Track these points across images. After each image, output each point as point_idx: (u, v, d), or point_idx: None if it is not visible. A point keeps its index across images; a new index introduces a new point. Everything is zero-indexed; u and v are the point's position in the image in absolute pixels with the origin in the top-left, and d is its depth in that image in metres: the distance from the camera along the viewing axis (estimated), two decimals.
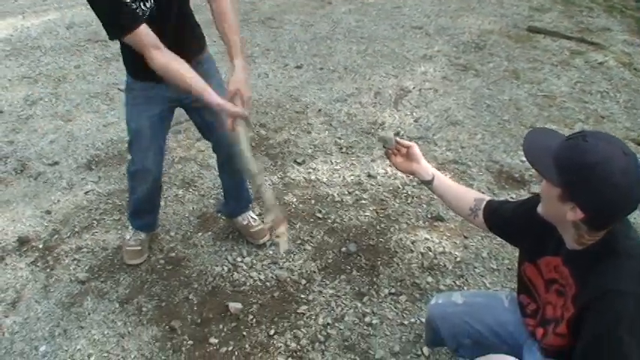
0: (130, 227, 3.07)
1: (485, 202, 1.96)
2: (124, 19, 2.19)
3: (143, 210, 3.01)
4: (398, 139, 2.11)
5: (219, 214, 3.30)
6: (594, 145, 1.36)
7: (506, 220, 1.88)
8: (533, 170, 3.57)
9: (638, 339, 1.33)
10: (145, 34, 2.21)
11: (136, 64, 2.36)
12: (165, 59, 2.25)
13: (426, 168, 2.10)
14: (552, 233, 1.58)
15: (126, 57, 2.54)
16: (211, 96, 2.25)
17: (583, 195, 1.38)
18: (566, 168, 1.38)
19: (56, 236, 3.24)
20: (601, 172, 1.33)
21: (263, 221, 3.01)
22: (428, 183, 2.11)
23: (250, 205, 3.17)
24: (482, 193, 3.47)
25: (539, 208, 1.56)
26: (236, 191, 3.06)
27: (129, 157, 2.83)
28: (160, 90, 2.51)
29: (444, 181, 2.11)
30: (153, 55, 2.23)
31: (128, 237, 3.06)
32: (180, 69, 2.26)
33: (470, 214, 2.00)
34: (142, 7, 2.25)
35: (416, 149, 2.08)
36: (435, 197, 3.40)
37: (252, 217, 3.14)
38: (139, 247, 3.04)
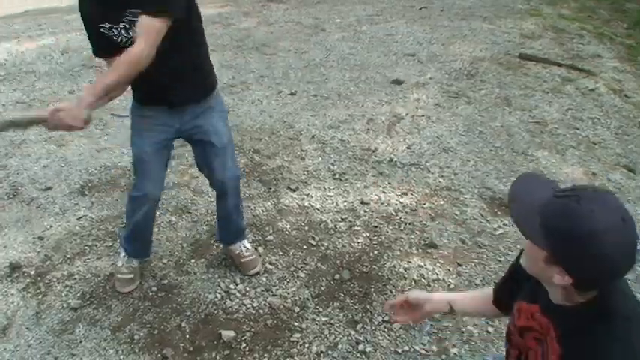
0: (123, 254, 3.04)
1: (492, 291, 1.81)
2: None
3: (138, 235, 2.99)
4: (390, 303, 1.92)
5: (217, 242, 3.29)
6: (588, 211, 1.22)
7: (502, 288, 1.75)
8: None
9: None
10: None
11: (143, 89, 2.45)
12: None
13: (438, 301, 1.86)
14: (529, 277, 1.45)
15: (133, 82, 2.49)
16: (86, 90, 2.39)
17: (572, 263, 1.25)
18: (554, 233, 1.25)
19: (48, 262, 3.23)
20: (594, 244, 1.20)
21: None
22: (450, 312, 1.88)
23: (245, 234, 3.17)
24: (479, 222, 3.51)
25: (523, 262, 1.44)
26: (228, 222, 3.06)
27: (133, 179, 2.88)
28: (165, 118, 2.58)
29: (462, 299, 1.92)
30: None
31: (120, 264, 3.03)
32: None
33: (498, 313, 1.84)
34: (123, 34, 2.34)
35: (412, 296, 1.86)
36: (429, 224, 3.44)
37: (245, 247, 3.13)
38: (131, 275, 3.02)
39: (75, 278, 3.10)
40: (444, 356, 2.62)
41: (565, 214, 1.24)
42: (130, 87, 2.59)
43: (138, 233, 2.98)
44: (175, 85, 2.51)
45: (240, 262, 3.11)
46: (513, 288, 1.62)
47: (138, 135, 2.71)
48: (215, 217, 3.18)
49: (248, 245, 3.16)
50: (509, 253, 3.26)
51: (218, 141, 2.72)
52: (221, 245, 3.23)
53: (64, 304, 2.93)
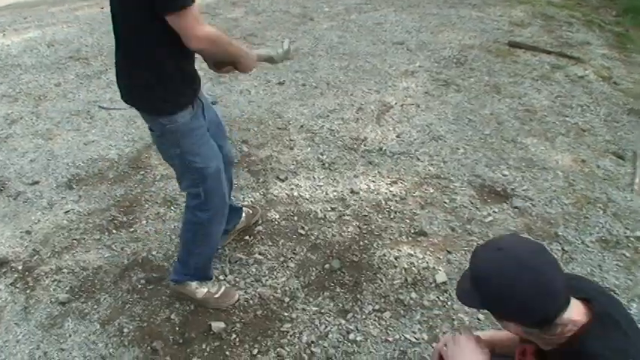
0: (196, 283, 2.79)
1: None
2: None
3: (212, 256, 2.84)
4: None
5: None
6: (479, 262, 1.47)
7: None
8: (515, 184, 3.59)
9: None
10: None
11: (181, 86, 2.21)
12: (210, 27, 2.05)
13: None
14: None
15: (167, 85, 2.20)
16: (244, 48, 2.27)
17: (498, 308, 1.43)
18: (477, 293, 1.43)
19: (36, 257, 3.20)
20: (486, 282, 1.41)
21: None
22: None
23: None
24: (469, 209, 3.51)
25: None
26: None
27: (196, 209, 2.57)
28: (202, 114, 2.37)
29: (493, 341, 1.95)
30: (206, 26, 2.02)
31: (206, 289, 2.80)
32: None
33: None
34: None
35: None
36: (418, 212, 3.43)
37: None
38: (223, 286, 2.89)
39: (63, 272, 3.09)
40: (434, 344, 2.61)
41: (468, 274, 1.48)
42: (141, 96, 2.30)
43: (213, 254, 2.83)
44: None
45: (251, 215, 3.26)
46: None
47: (208, 145, 2.43)
48: None
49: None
50: None
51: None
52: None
53: (53, 299, 2.92)
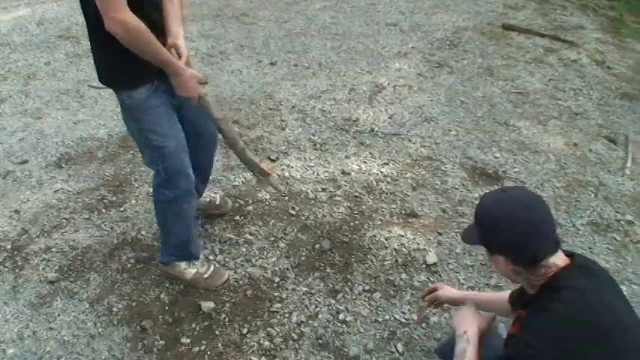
0: (184, 265, 2.80)
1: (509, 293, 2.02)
2: None
3: (192, 236, 2.79)
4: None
5: None
6: (481, 201, 1.68)
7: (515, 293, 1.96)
8: (507, 166, 3.59)
9: None
10: None
11: (134, 62, 2.12)
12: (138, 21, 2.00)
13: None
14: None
15: (117, 61, 2.18)
16: (177, 63, 2.17)
17: (492, 242, 1.60)
18: (476, 228, 1.64)
19: (25, 236, 3.18)
20: (487, 216, 1.62)
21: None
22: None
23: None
24: (460, 191, 3.51)
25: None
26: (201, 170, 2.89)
27: (160, 187, 2.56)
28: (167, 93, 2.33)
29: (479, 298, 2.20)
30: (127, 13, 1.96)
31: (194, 270, 2.80)
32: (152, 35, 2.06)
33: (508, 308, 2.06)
34: None
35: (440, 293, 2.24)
36: (410, 194, 3.43)
37: (212, 195, 3.20)
38: (212, 266, 2.87)
39: (52, 251, 3.06)
40: (424, 325, 2.62)
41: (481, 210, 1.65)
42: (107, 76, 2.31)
43: (193, 230, 2.79)
44: None
45: (217, 206, 3.19)
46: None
47: (167, 123, 2.39)
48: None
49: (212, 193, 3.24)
50: None
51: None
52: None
53: (42, 278, 2.90)
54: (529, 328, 1.48)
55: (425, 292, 2.32)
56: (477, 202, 3.23)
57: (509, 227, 1.53)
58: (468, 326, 1.73)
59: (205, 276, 2.80)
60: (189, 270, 2.78)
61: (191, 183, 2.54)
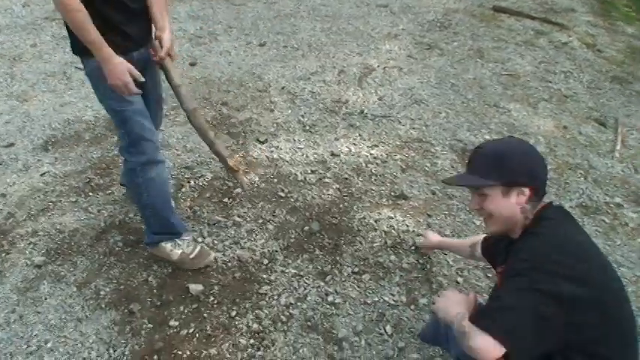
0: (170, 244, 2.78)
1: (482, 237, 2.29)
2: None
3: (168, 210, 2.73)
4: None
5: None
6: (490, 143, 1.85)
7: (491, 245, 2.14)
8: None
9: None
10: None
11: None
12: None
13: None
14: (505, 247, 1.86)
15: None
16: (105, 51, 2.20)
17: (517, 173, 1.68)
18: (491, 169, 1.69)
19: (11, 220, 3.14)
20: (510, 150, 1.73)
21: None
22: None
23: None
24: (450, 173, 3.50)
25: (491, 229, 1.81)
26: None
27: (126, 153, 2.58)
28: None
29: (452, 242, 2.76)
30: None
31: (180, 251, 2.78)
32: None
33: (470, 252, 2.41)
34: None
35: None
36: (399, 176, 3.42)
37: None
38: (199, 246, 2.86)
39: (39, 235, 3.03)
40: (412, 307, 2.62)
41: (483, 155, 1.76)
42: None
43: (169, 200, 2.76)
44: None
45: None
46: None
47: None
48: (181, 170, 3.11)
49: None
50: None
51: None
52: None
53: (28, 262, 2.87)
54: (520, 250, 1.63)
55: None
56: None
57: (526, 158, 1.70)
58: (459, 308, 1.72)
59: (191, 256, 2.78)
60: (175, 251, 2.77)
61: (156, 150, 2.57)
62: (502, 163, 1.68)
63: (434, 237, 2.83)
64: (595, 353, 1.53)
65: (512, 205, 1.69)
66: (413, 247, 2.93)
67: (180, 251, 2.77)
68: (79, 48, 2.28)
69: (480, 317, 1.58)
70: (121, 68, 2.26)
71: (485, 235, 2.27)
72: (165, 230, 2.75)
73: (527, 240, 1.66)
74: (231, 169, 2.67)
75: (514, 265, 1.60)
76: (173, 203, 2.86)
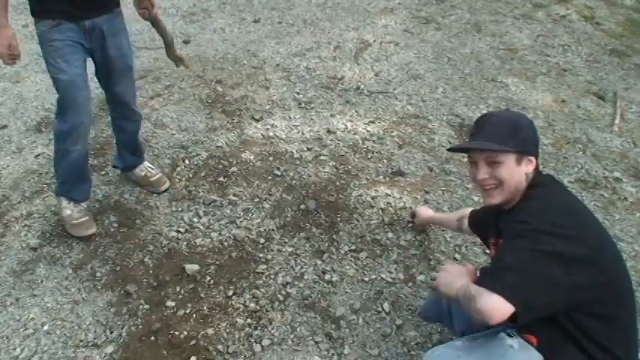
0: (66, 202, 2.86)
1: (469, 210, 2.36)
2: None
3: (82, 175, 2.86)
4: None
5: (116, 169, 3.23)
6: (502, 112, 1.99)
7: (479, 219, 2.22)
8: None
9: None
10: None
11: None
12: None
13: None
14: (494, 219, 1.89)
15: None
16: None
17: (528, 144, 1.76)
18: (509, 136, 1.71)
19: (5, 202, 3.11)
20: (524, 122, 1.79)
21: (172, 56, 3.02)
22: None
23: (145, 156, 3.19)
24: (447, 144, 3.47)
25: (497, 198, 1.77)
26: (130, 144, 3.04)
27: (55, 117, 2.72)
28: (75, 34, 2.51)
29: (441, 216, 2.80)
30: None
31: (69, 212, 2.85)
32: None
33: (457, 225, 2.48)
34: None
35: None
36: (396, 152, 3.39)
37: (149, 167, 3.16)
38: (87, 217, 2.88)
39: (34, 217, 3.00)
40: (410, 284, 2.61)
41: (499, 123, 1.77)
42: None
43: (82, 172, 2.86)
44: None
45: (149, 182, 3.13)
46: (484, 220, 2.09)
47: (61, 58, 2.55)
48: (176, 149, 3.09)
49: (151, 165, 3.20)
50: None
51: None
52: (125, 172, 3.20)
53: (23, 244, 2.84)
54: (520, 212, 1.68)
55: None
56: (464, 159, 3.23)
57: (533, 128, 1.79)
58: (462, 280, 1.72)
59: (73, 222, 2.84)
60: (66, 209, 2.85)
61: (79, 125, 2.66)
62: (516, 132, 1.72)
63: (425, 212, 2.84)
64: (594, 312, 1.58)
65: (521, 173, 1.73)
66: (410, 225, 2.91)
67: (69, 212, 2.85)
68: (32, 10, 2.50)
69: (485, 279, 1.57)
70: (1, 40, 2.42)
71: (471, 209, 2.36)
72: (68, 195, 2.86)
73: (525, 204, 1.70)
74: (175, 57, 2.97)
75: (514, 227, 1.63)
76: (94, 176, 3.07)
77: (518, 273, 1.51)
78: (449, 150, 2.00)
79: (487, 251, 2.75)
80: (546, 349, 1.63)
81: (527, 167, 1.74)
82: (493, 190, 1.76)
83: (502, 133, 1.71)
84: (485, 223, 2.03)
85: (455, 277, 1.76)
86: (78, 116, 2.64)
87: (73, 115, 2.62)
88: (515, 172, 1.72)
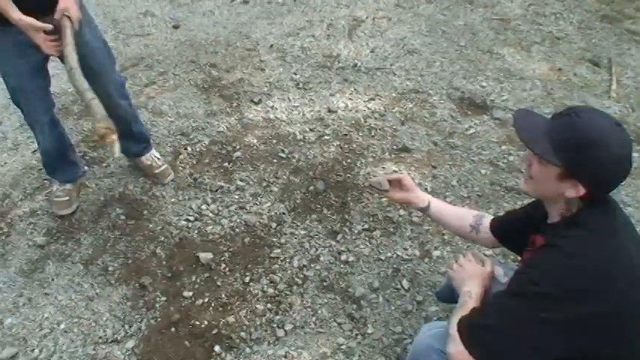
0: (54, 182, 2.98)
1: (489, 220, 2.00)
2: None
3: (55, 162, 2.92)
4: (388, 177, 2.13)
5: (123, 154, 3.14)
6: (589, 120, 1.39)
7: (512, 221, 1.92)
8: (494, 95, 3.53)
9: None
10: None
11: None
12: None
13: (421, 195, 2.13)
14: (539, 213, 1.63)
15: None
16: (14, 13, 2.22)
17: (587, 171, 1.39)
18: (566, 147, 1.38)
19: (7, 200, 3.05)
20: (603, 147, 1.35)
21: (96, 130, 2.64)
22: (425, 210, 2.13)
23: (152, 144, 3.15)
24: (450, 123, 3.45)
25: (523, 186, 1.58)
26: (132, 132, 2.96)
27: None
28: (24, 41, 2.35)
29: (441, 204, 2.15)
30: None
31: (54, 188, 2.96)
32: None
33: (470, 230, 2.03)
34: None
35: (407, 179, 2.12)
36: (399, 128, 3.36)
37: (156, 157, 3.10)
38: (67, 198, 2.93)
39: (38, 214, 2.95)
40: (427, 260, 2.61)
41: (571, 128, 1.39)
42: None
43: (54, 159, 2.91)
44: None
45: (154, 174, 3.08)
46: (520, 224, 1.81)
47: (8, 62, 2.53)
48: (177, 137, 3.03)
49: (158, 155, 3.14)
50: (482, 152, 3.23)
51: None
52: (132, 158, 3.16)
53: (30, 243, 2.80)
54: (536, 263, 1.46)
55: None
56: (467, 132, 3.22)
57: (609, 163, 1.37)
58: (472, 286, 1.68)
59: (54, 198, 2.94)
60: (53, 188, 2.97)
61: (37, 122, 2.73)
62: (579, 150, 1.37)
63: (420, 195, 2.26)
64: None
65: (559, 191, 1.45)
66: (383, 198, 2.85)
67: (54, 188, 2.96)
68: None
69: (467, 331, 1.47)
70: (31, 34, 2.31)
71: (490, 216, 2.05)
72: (52, 175, 2.98)
73: (546, 253, 1.45)
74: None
75: (521, 279, 1.45)
76: (75, 156, 3.03)
77: (503, 339, 1.41)
78: (515, 113, 1.58)
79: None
80: None
81: (569, 191, 1.42)
82: (526, 174, 1.56)
83: (565, 140, 1.39)
84: (522, 224, 1.79)
85: (466, 279, 1.73)
86: (31, 117, 2.75)
87: (30, 117, 2.75)
88: (552, 185, 1.45)
